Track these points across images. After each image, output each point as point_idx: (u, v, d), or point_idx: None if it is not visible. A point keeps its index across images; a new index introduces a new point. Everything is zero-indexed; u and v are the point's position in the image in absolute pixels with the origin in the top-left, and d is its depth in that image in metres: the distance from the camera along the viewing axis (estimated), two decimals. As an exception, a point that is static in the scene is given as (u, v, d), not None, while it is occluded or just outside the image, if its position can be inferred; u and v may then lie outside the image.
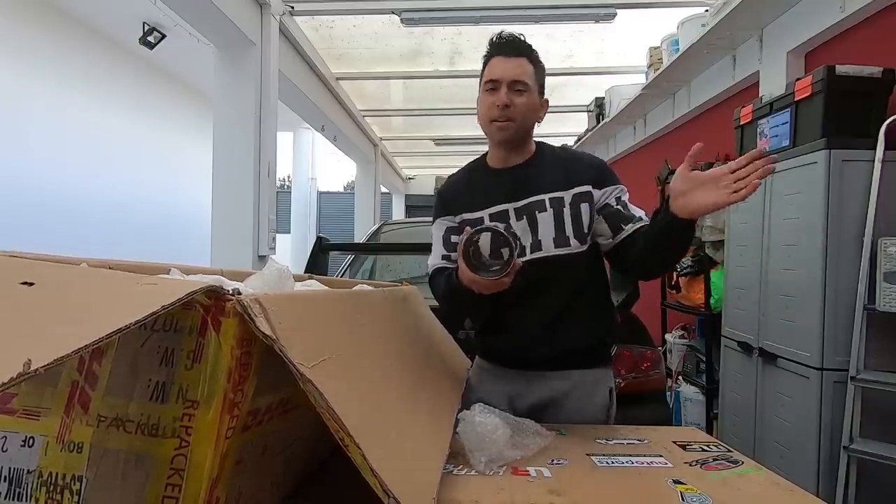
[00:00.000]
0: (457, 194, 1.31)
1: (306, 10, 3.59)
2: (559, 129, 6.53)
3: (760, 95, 2.77)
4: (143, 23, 4.49)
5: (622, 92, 4.38)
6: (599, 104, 4.99)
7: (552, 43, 4.10)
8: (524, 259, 1.19)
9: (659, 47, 3.69)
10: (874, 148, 1.87)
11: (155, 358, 0.53)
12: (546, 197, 1.21)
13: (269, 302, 0.51)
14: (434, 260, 1.30)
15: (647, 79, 3.90)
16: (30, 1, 4.10)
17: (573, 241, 1.20)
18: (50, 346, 0.36)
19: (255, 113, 3.21)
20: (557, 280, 1.21)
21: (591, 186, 1.21)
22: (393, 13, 3.49)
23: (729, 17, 2.69)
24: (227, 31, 2.99)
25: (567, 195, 1.20)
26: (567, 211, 1.20)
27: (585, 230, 1.20)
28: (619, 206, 1.21)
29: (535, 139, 1.30)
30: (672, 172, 3.26)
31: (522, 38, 1.23)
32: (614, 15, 3.41)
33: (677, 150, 4.06)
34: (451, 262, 1.26)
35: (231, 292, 0.51)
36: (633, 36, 3.92)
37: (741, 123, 2.53)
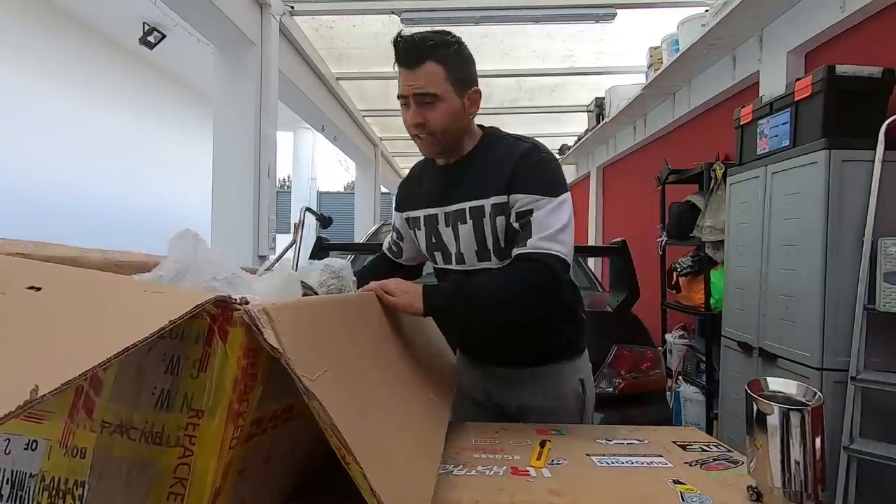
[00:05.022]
0: (407, 189, 1.30)
1: (306, 10, 3.59)
2: (559, 130, 6.54)
3: (760, 95, 2.77)
4: (143, 23, 4.50)
5: (622, 92, 4.38)
6: (599, 104, 4.99)
7: (552, 43, 4.10)
8: (450, 268, 1.18)
9: (659, 47, 3.69)
10: (874, 148, 1.87)
11: (160, 365, 0.53)
12: (467, 206, 1.13)
13: (276, 312, 0.51)
14: (385, 245, 1.41)
15: (647, 79, 3.90)
16: (30, 0, 4.10)
17: (493, 258, 1.12)
18: (56, 368, 0.36)
19: (255, 113, 3.21)
20: None
21: (505, 195, 1.08)
22: (393, 13, 3.49)
23: (729, 17, 2.69)
24: (227, 31, 2.99)
25: (487, 205, 1.10)
26: (487, 223, 1.10)
27: (503, 245, 1.11)
28: (516, 224, 1.06)
29: (494, 129, 1.21)
30: (672, 172, 3.27)
31: (424, 35, 1.06)
32: (614, 15, 3.42)
33: (677, 150, 4.07)
34: (391, 252, 1.38)
35: (238, 301, 0.50)
36: (633, 36, 3.92)
37: (741, 123, 2.53)
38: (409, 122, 1.10)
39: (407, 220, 1.28)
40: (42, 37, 4.21)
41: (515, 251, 1.05)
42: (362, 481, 0.52)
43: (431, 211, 1.20)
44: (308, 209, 1.22)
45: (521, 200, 1.06)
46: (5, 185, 3.85)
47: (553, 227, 1.03)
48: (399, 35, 1.07)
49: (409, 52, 1.06)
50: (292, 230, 1.38)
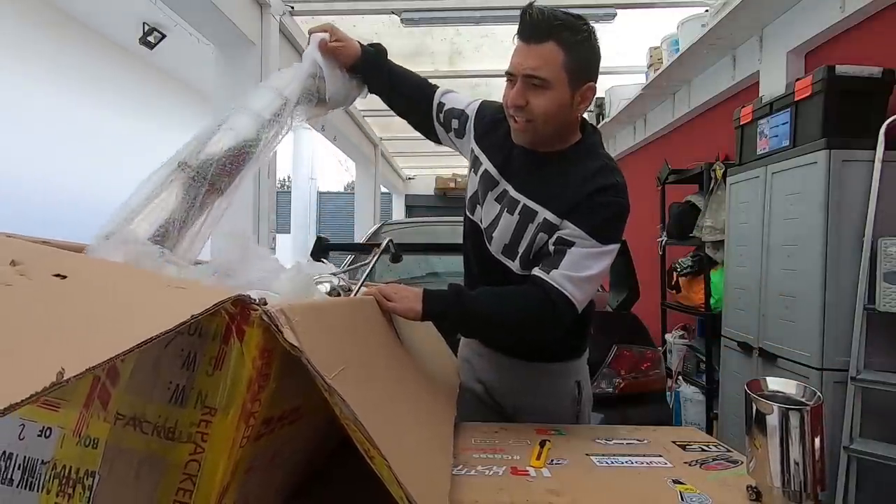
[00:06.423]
0: (495, 128, 1.16)
1: (306, 10, 3.59)
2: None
3: (760, 95, 2.77)
4: (143, 23, 4.50)
5: (622, 92, 4.38)
6: (599, 104, 4.99)
7: (552, 43, 4.09)
8: (480, 227, 1.15)
9: (659, 47, 3.69)
10: (874, 148, 1.87)
11: (177, 361, 0.53)
12: (524, 202, 1.07)
13: (293, 312, 0.51)
14: (458, 96, 1.26)
15: (647, 79, 3.90)
16: (29, 0, 4.10)
17: (517, 261, 1.09)
18: (80, 354, 0.37)
19: (255, 113, 3.20)
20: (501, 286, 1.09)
21: (560, 219, 1.03)
22: (393, 13, 3.49)
23: (729, 17, 2.69)
24: (227, 31, 2.99)
25: (541, 215, 1.05)
26: (531, 230, 1.06)
27: (531, 257, 1.07)
28: (552, 247, 1.03)
29: (595, 135, 1.15)
30: (672, 172, 3.27)
31: (555, 13, 0.99)
32: (614, 15, 3.41)
33: (677, 150, 4.07)
34: (436, 115, 1.25)
35: (257, 302, 0.51)
36: (633, 36, 3.92)
37: (741, 123, 2.53)
38: (510, 102, 1.02)
39: (474, 150, 1.18)
40: (42, 37, 4.21)
41: (535, 271, 1.01)
42: (388, 473, 0.53)
43: (495, 175, 1.13)
44: (390, 241, 1.24)
45: (569, 229, 1.01)
46: (2, 185, 3.85)
47: (583, 271, 0.99)
48: (529, 6, 1.00)
49: (532, 26, 0.99)
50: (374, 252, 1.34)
